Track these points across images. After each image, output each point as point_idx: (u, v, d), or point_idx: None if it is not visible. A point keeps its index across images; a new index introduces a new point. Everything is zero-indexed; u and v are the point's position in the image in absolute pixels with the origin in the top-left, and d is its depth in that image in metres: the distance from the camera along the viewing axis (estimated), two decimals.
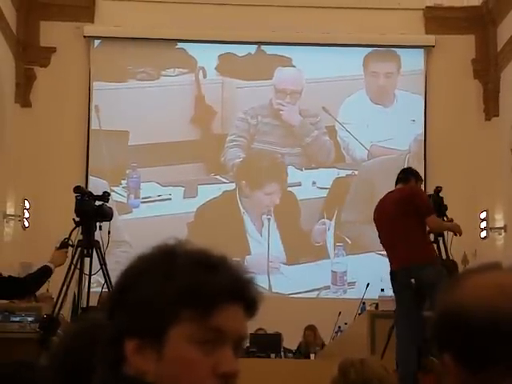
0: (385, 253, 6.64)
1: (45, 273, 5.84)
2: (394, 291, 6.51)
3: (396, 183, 6.74)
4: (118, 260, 11.56)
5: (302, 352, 10.60)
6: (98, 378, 1.26)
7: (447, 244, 7.39)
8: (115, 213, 7.08)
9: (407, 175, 6.78)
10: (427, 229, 6.56)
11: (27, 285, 5.79)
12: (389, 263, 6.54)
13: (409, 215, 6.34)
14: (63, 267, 6.13)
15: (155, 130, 12.88)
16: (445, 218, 7.29)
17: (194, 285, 1.20)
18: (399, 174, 6.82)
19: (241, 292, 1.23)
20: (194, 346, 1.19)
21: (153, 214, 12.84)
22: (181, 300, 1.19)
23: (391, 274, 6.43)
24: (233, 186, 13.04)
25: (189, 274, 1.21)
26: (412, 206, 6.37)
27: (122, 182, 12.97)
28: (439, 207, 7.21)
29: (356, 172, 13.14)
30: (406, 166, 12.80)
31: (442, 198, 7.44)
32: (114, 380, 1.22)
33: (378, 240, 6.63)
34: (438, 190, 7.54)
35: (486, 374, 1.20)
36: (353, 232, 12.82)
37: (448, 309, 1.25)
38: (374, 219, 6.69)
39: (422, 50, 13.38)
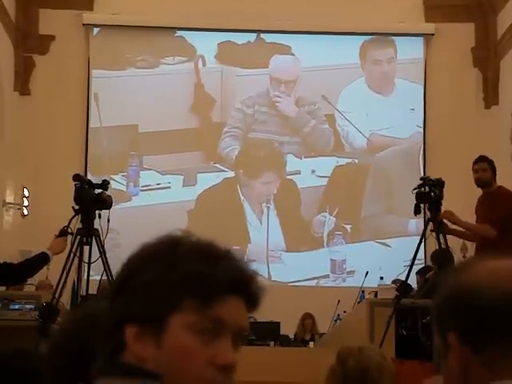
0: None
1: (42, 259, 5.86)
2: None
3: None
4: (117, 249, 11.60)
5: (299, 340, 10.64)
6: (98, 367, 1.26)
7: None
8: (114, 201, 7.08)
9: None
10: None
11: (22, 271, 5.81)
12: None
13: None
14: (63, 255, 6.14)
15: (154, 118, 12.85)
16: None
17: (195, 274, 1.21)
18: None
19: (242, 285, 1.24)
20: (193, 335, 1.20)
21: (152, 202, 12.82)
22: (182, 288, 1.20)
23: None
24: (232, 174, 13.03)
25: (191, 263, 1.22)
26: None
27: (122, 170, 12.95)
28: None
29: (356, 160, 13.13)
30: (407, 156, 13.00)
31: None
32: (112, 368, 1.22)
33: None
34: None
35: (491, 353, 1.21)
36: (352, 220, 12.82)
37: (459, 288, 1.25)
38: None
39: (422, 38, 13.35)
